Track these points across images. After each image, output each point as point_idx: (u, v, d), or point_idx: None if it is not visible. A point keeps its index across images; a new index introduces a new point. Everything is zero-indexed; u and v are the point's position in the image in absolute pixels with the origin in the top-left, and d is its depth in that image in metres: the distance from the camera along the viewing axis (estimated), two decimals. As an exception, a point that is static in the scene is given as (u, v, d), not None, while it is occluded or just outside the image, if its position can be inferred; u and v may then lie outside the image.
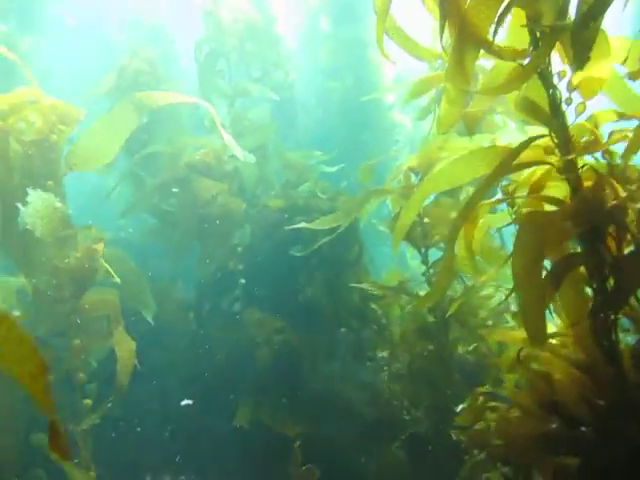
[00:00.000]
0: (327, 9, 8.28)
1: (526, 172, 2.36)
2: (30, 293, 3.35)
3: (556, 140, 1.99)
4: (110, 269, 3.27)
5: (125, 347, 3.60)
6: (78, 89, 5.41)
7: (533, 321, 2.04)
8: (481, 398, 2.80)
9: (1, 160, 3.50)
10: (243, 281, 4.43)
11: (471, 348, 3.84)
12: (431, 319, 3.95)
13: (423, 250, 3.93)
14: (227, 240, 4.53)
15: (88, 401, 3.23)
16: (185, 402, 4.29)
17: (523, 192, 2.33)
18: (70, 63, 8.17)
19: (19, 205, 3.34)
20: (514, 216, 2.59)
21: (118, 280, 3.29)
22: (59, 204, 3.21)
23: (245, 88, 5.47)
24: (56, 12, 8.34)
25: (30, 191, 3.27)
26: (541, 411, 2.15)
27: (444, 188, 2.63)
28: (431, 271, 3.92)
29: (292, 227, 3.82)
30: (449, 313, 3.68)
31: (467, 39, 2.17)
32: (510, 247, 2.12)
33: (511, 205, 2.18)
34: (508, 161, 2.01)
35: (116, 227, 6.17)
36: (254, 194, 5.03)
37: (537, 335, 2.03)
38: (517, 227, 2.13)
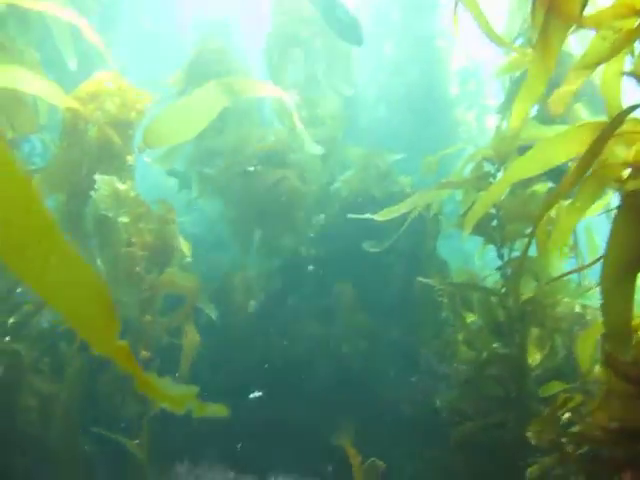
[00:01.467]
0: (396, 1, 8.15)
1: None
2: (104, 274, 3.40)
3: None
4: (185, 246, 3.28)
5: (190, 339, 3.60)
6: (150, 87, 5.56)
7: (618, 324, 1.84)
8: (562, 397, 2.62)
9: (77, 147, 3.62)
10: (311, 267, 4.35)
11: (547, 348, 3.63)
12: (502, 317, 3.77)
13: (499, 245, 3.76)
14: (293, 227, 4.48)
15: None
16: (254, 394, 4.21)
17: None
18: (143, 62, 8.43)
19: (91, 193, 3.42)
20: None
21: (189, 258, 3.30)
22: (128, 183, 3.26)
23: (315, 79, 5.45)
24: (132, 13, 8.64)
25: (98, 177, 3.33)
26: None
27: (534, 172, 2.47)
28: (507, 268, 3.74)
29: (364, 217, 3.71)
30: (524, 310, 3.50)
31: (557, 14, 2.07)
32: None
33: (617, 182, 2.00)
34: (611, 130, 1.84)
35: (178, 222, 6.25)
36: (320, 186, 4.98)
37: (621, 341, 1.84)
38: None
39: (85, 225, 3.44)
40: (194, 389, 1.36)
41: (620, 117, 1.89)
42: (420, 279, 3.91)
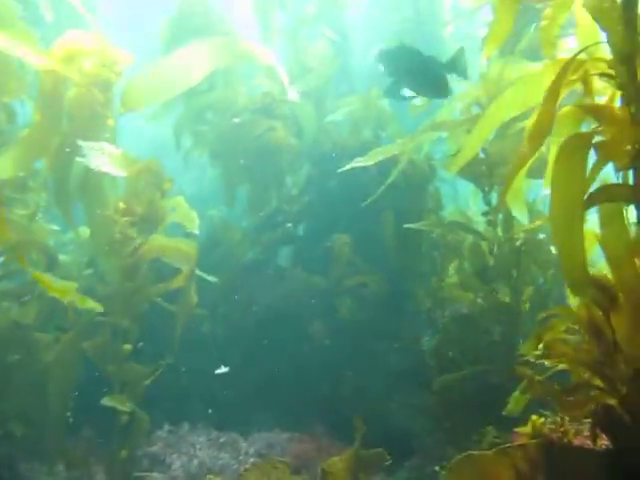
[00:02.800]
0: None
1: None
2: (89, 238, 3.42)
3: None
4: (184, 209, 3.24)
5: (186, 305, 3.62)
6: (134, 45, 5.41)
7: (573, 268, 1.81)
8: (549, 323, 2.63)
9: (56, 109, 3.50)
10: (289, 225, 4.36)
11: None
12: (491, 261, 3.76)
13: (487, 189, 3.71)
14: (279, 179, 4.45)
15: (128, 346, 3.27)
16: (220, 370, 4.16)
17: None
18: (128, 18, 8.17)
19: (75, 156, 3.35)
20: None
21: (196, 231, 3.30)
22: (110, 144, 3.24)
23: (304, 23, 5.29)
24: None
25: (82, 143, 3.26)
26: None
27: (514, 112, 2.43)
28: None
29: (350, 166, 3.66)
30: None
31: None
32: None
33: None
34: (564, 73, 1.79)
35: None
36: (314, 138, 4.90)
37: (578, 284, 1.82)
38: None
39: (71, 188, 3.44)
40: (74, 285, 1.90)
41: (571, 60, 1.83)
42: (406, 225, 3.88)
